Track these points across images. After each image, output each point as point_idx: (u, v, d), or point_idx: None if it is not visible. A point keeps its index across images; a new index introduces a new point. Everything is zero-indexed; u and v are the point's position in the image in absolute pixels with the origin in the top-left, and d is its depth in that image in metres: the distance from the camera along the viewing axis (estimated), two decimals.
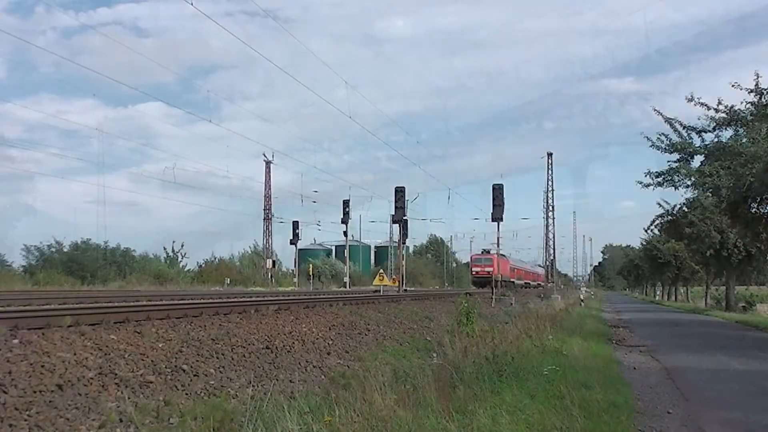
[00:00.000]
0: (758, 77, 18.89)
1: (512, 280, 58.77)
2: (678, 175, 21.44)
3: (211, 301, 13.83)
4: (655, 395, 8.83)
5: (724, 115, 20.12)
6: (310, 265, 54.23)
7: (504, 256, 57.64)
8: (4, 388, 5.47)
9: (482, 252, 57.72)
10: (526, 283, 68.64)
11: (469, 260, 67.57)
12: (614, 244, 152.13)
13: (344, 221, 45.37)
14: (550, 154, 59.18)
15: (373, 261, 77.15)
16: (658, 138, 21.75)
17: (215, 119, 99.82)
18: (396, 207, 31.55)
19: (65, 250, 53.53)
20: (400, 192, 31.47)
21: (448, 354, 10.72)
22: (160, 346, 7.88)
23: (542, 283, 77.78)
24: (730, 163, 19.42)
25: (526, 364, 9.41)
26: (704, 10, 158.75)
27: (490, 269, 50.78)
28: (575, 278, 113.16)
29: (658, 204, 38.23)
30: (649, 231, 49.68)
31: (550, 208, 59.42)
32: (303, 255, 58.87)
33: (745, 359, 13.06)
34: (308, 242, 68.20)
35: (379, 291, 26.86)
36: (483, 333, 12.92)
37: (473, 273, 57.05)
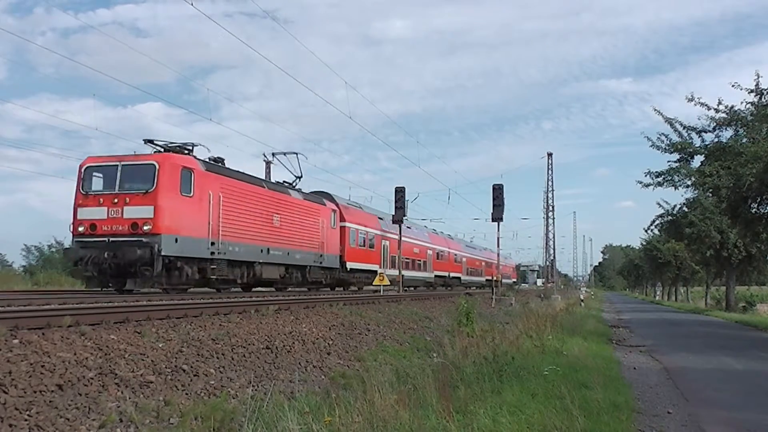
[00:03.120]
0: (758, 77, 18.96)
1: (368, 266, 29.84)
2: (678, 175, 21.46)
3: (211, 301, 13.81)
4: (655, 395, 8.83)
5: (724, 115, 20.16)
6: None
7: (337, 200, 28.08)
8: (4, 388, 5.47)
9: (134, 155, 16.60)
10: (445, 276, 42.35)
11: None
12: (614, 244, 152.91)
13: None
14: (549, 154, 59.02)
15: None
16: (658, 138, 21.82)
17: (215, 119, 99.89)
18: (396, 207, 31.51)
19: None
20: (400, 192, 31.43)
21: (448, 354, 10.71)
22: (160, 346, 7.88)
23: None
24: (730, 163, 19.43)
25: (527, 364, 9.41)
26: (701, 11, 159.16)
27: (146, 217, 15.41)
28: (575, 278, 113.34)
29: (658, 204, 38.44)
30: (649, 231, 49.84)
31: (550, 208, 59.29)
32: None
33: (746, 359, 13.07)
34: None
35: (379, 291, 26.81)
36: (483, 333, 12.92)
37: (76, 232, 15.99)
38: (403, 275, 30.83)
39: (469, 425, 5.85)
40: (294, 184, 25.24)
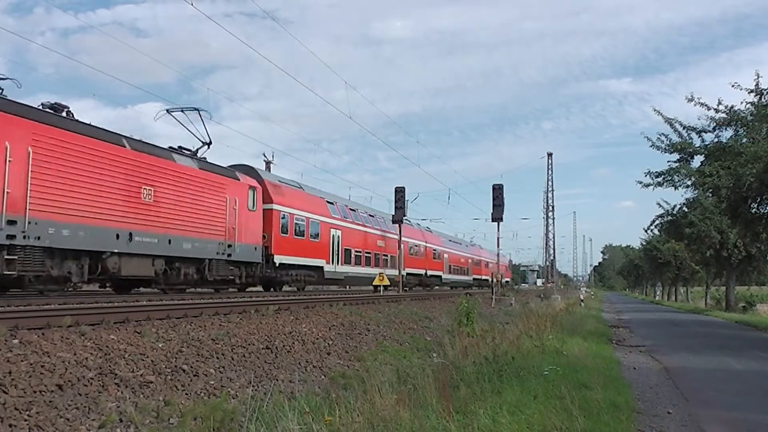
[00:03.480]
0: (758, 77, 18.97)
1: (308, 261, 24.61)
2: (678, 175, 21.49)
3: (211, 301, 13.80)
4: (655, 395, 8.83)
5: (724, 115, 20.18)
6: None
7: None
8: (4, 388, 5.47)
9: None
10: (421, 275, 37.57)
11: None
12: (614, 244, 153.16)
13: None
14: (550, 154, 59.03)
15: None
16: (658, 138, 21.85)
17: (216, 119, 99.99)
18: (396, 207, 31.54)
19: None
20: (399, 192, 31.47)
21: (448, 354, 10.72)
22: (160, 346, 7.88)
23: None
24: (730, 163, 19.44)
25: (527, 364, 9.41)
26: (701, 11, 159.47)
27: None
28: (575, 278, 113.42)
29: (658, 204, 38.49)
30: (649, 231, 49.87)
31: (550, 208, 59.27)
32: None
33: (745, 359, 13.08)
34: None
35: (379, 291, 26.82)
36: (483, 333, 12.91)
37: None
38: (348, 274, 26.86)
39: (469, 425, 5.85)
40: (198, 151, 19.31)
